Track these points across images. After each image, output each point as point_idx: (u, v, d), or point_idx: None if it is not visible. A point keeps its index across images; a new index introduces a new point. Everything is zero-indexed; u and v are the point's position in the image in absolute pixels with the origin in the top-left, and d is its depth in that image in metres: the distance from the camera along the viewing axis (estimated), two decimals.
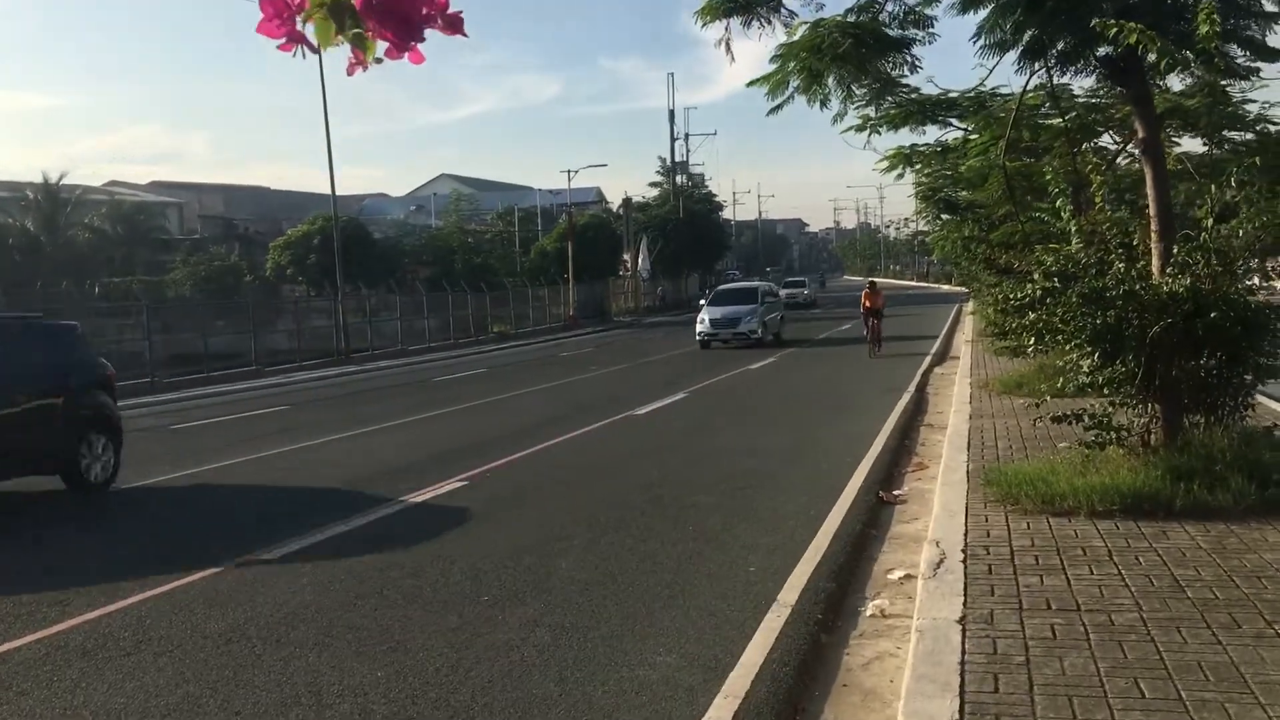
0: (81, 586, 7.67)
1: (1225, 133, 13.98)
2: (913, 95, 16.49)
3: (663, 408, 17.91)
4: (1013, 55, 8.82)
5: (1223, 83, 10.64)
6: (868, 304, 27.29)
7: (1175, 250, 8.07)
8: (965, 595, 5.59)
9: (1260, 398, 8.93)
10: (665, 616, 6.49)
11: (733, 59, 8.73)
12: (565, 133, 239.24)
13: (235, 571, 8.03)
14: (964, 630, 5.02)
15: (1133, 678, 4.38)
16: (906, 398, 17.52)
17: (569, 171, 60.67)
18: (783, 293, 49.99)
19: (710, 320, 32.45)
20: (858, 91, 9.39)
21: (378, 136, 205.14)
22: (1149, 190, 8.17)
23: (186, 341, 32.46)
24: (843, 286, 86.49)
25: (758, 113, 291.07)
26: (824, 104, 9.12)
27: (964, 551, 6.50)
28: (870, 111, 17.68)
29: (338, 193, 39.81)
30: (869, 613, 6.51)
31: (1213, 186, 7.78)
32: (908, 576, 7.11)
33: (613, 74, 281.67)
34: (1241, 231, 8.07)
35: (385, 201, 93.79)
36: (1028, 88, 8.89)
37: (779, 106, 9.08)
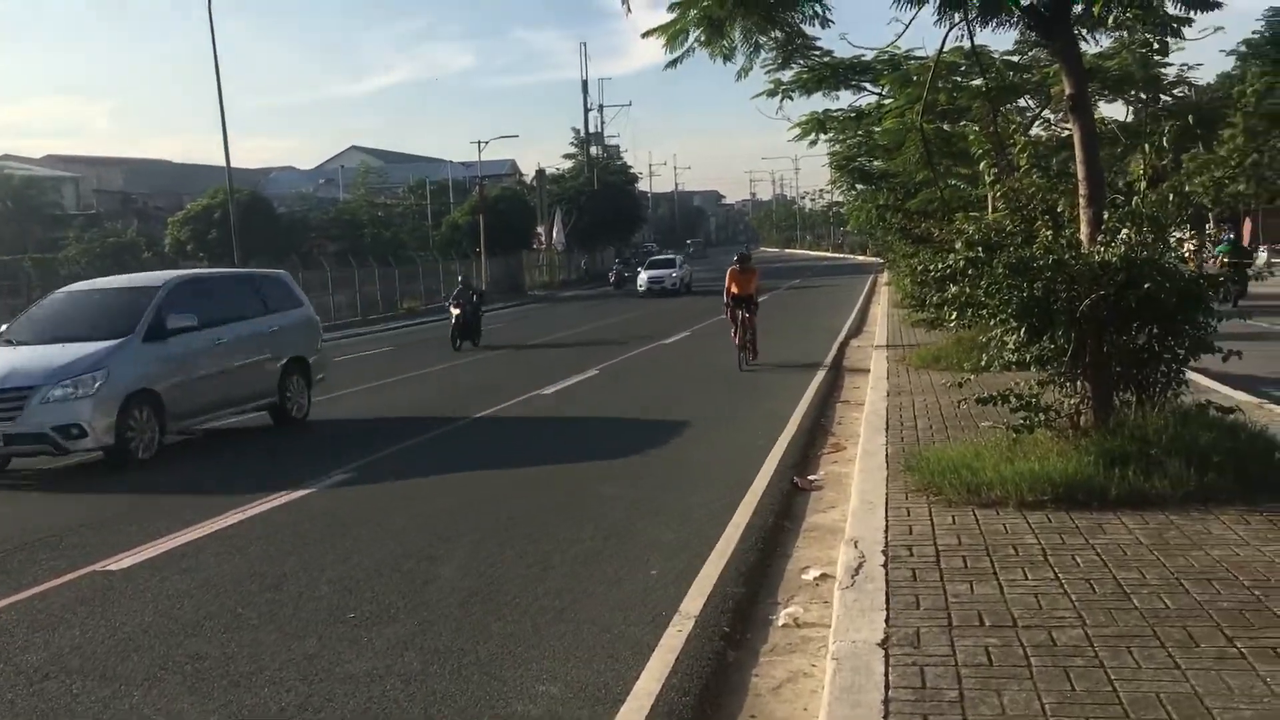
0: None
1: (1141, 95, 13.60)
2: (825, 59, 15.97)
3: (571, 386, 17.11)
4: (931, 8, 8.18)
5: (1140, 43, 10.15)
6: (734, 289, 18.25)
7: (1106, 216, 7.50)
8: (887, 609, 4.92)
9: (1189, 374, 8.42)
10: (553, 634, 5.73)
11: (629, 9, 7.93)
12: (480, 105, 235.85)
13: (69, 586, 7.07)
14: (887, 657, 4.33)
15: (1084, 717, 3.73)
16: (822, 374, 16.97)
17: (479, 143, 59.17)
18: (643, 276, 48.98)
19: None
20: (765, 45, 8.63)
21: (287, 107, 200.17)
22: (1077, 151, 7.58)
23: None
24: (759, 259, 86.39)
25: (673, 84, 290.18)
26: (727, 58, 8.36)
27: (884, 553, 5.84)
28: (782, 76, 17.19)
29: (244, 165, 38.39)
30: (781, 622, 5.83)
31: (1145, 146, 7.21)
32: (824, 576, 6.46)
33: (528, 44, 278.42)
34: (1173, 195, 7.51)
35: (293, 174, 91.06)
36: (945, 44, 8.22)
37: (677, 60, 8.31)
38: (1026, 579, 5.33)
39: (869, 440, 9.49)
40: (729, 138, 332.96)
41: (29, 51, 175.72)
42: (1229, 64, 37.19)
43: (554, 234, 61.82)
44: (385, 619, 6.13)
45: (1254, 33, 39.71)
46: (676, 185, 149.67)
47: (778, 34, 8.68)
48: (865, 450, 9.09)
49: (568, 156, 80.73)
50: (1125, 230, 7.38)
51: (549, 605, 6.22)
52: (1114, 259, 7.13)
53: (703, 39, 8.09)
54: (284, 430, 13.82)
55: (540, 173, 66.82)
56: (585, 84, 77.82)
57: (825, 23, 8.51)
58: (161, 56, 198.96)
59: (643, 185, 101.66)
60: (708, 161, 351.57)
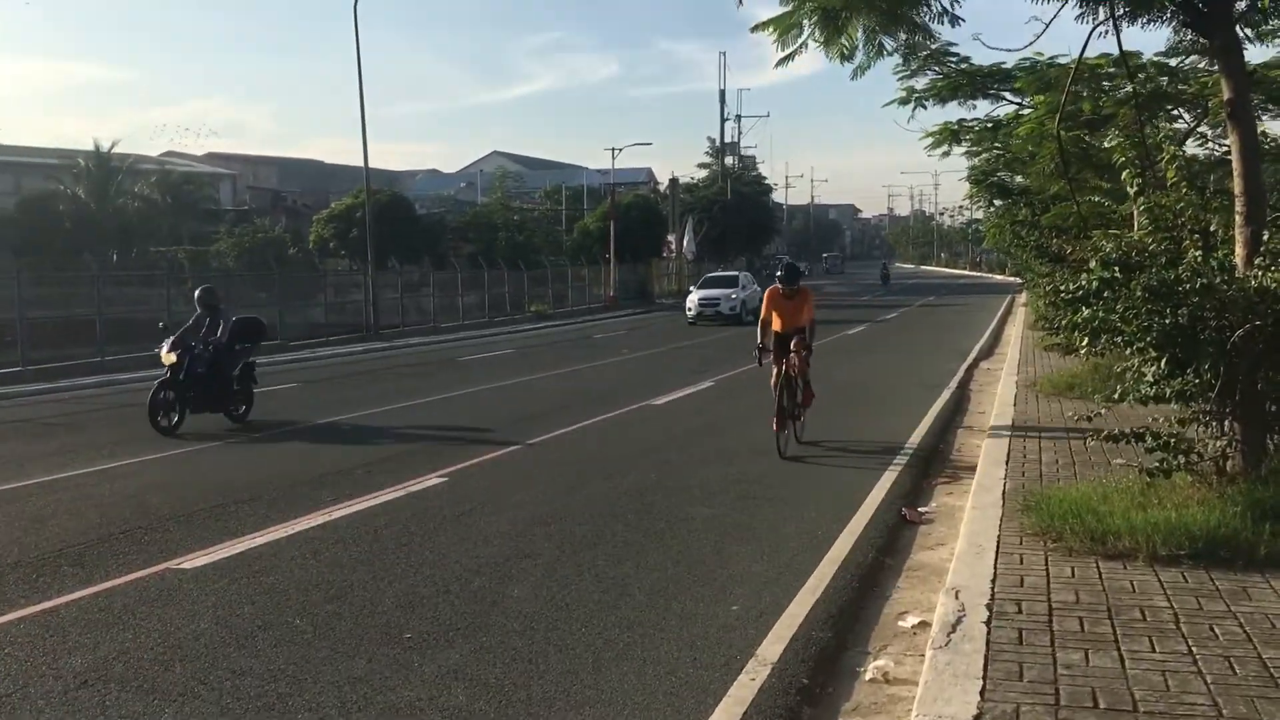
0: None
1: None
2: (961, 65, 15.15)
3: (683, 398, 16.62)
4: (1073, 5, 7.43)
5: None
6: (777, 322, 11.95)
7: (1266, 237, 6.65)
8: (984, 678, 4.28)
9: None
10: (615, 673, 5.25)
11: (740, 1, 7.38)
12: (620, 114, 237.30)
13: (136, 584, 6.91)
14: None
15: None
16: (946, 395, 16.11)
17: (613, 150, 59.23)
18: (693, 297, 38.31)
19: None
20: (889, 45, 7.99)
21: (434, 114, 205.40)
22: (1235, 162, 6.74)
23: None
24: (895, 275, 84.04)
25: (812, 96, 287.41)
26: (845, 58, 7.75)
27: (989, 608, 5.17)
28: (915, 84, 16.40)
29: (390, 168, 39.31)
30: (868, 675, 5.23)
31: None
32: (923, 624, 5.82)
33: (670, 56, 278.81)
34: None
35: (437, 178, 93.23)
36: (1088, 43, 7.48)
37: (789, 57, 7.72)
38: (1154, 651, 4.60)
39: (986, 473, 8.74)
40: (867, 151, 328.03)
41: (196, 54, 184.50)
42: None
43: (684, 242, 61.40)
44: (442, 642, 5.75)
45: None
46: (812, 198, 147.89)
47: (903, 34, 8.01)
48: (981, 484, 8.35)
49: (702, 165, 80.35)
50: None
51: (616, 639, 5.75)
52: (1274, 285, 6.29)
53: (818, 35, 7.51)
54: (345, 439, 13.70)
55: (673, 181, 66.55)
56: (723, 93, 77.00)
57: (954, 20, 7.84)
58: (320, 62, 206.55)
59: (778, 197, 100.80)
60: (845, 175, 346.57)
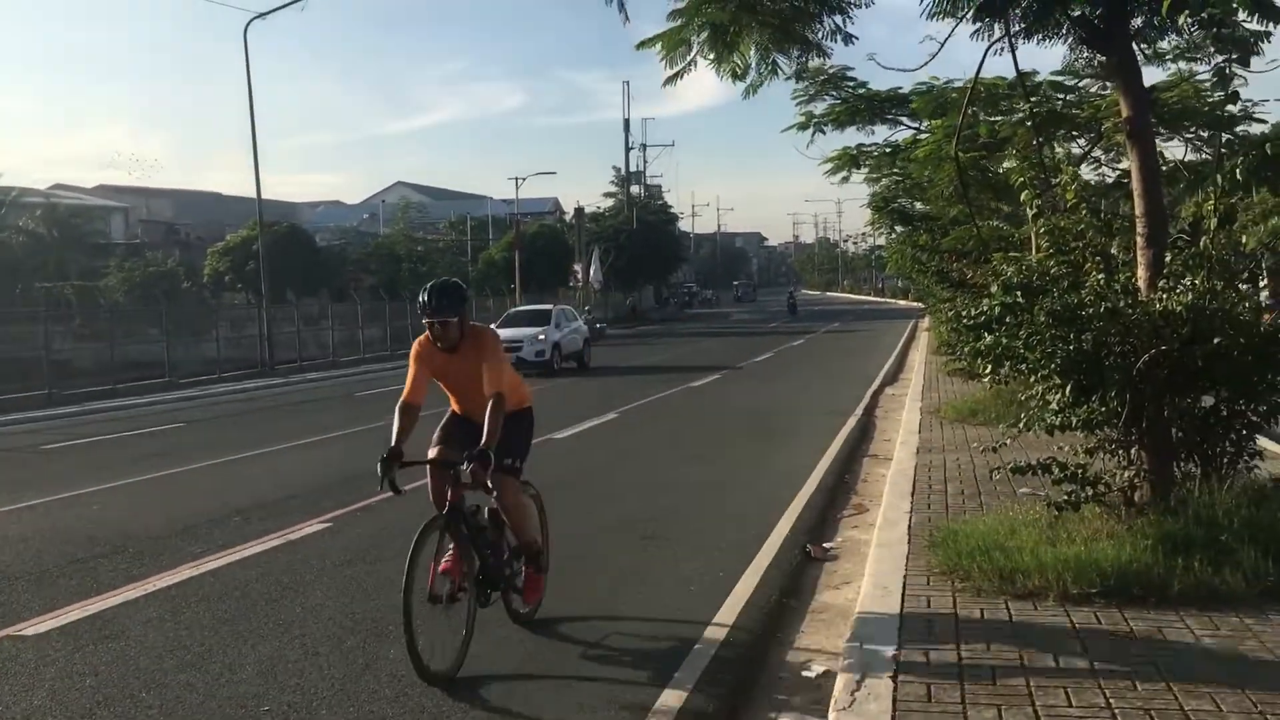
0: None
1: (1202, 132, 12.53)
2: (859, 90, 15.08)
3: (587, 430, 16.16)
4: (969, 24, 7.24)
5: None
6: (453, 398, 6.41)
7: (1168, 259, 6.47)
8: None
9: (1261, 440, 7.32)
10: None
11: (626, 18, 7.02)
12: (526, 144, 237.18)
13: None
14: None
15: None
16: (852, 422, 15.92)
17: (517, 179, 58.79)
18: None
19: None
20: (783, 64, 7.70)
21: (337, 144, 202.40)
22: (1135, 182, 6.56)
23: (99, 351, 30.45)
24: (801, 301, 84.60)
25: (718, 125, 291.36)
26: (738, 76, 7.43)
27: (895, 659, 4.80)
28: (814, 109, 16.31)
29: (292, 199, 38.24)
30: None
31: (1217, 176, 6.17)
32: (827, 674, 5.43)
33: (574, 85, 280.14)
34: (1245, 237, 6.47)
35: (339, 209, 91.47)
36: (984, 61, 7.26)
37: (678, 75, 7.37)
38: (1070, 706, 4.26)
39: (891, 506, 8.45)
40: (773, 179, 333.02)
41: (84, 83, 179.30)
42: None
43: (591, 272, 61.10)
44: (304, 715, 5.19)
45: None
46: (719, 226, 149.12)
47: (796, 52, 7.72)
48: (886, 519, 8.05)
49: (608, 194, 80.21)
50: (1190, 276, 6.33)
51: (495, 706, 5.25)
52: (1178, 308, 6.10)
53: (707, 53, 7.17)
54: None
55: (579, 210, 66.25)
56: (627, 122, 76.96)
57: (848, 39, 7.57)
58: (217, 91, 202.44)
59: (685, 225, 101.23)
60: (751, 203, 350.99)
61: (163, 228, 68.70)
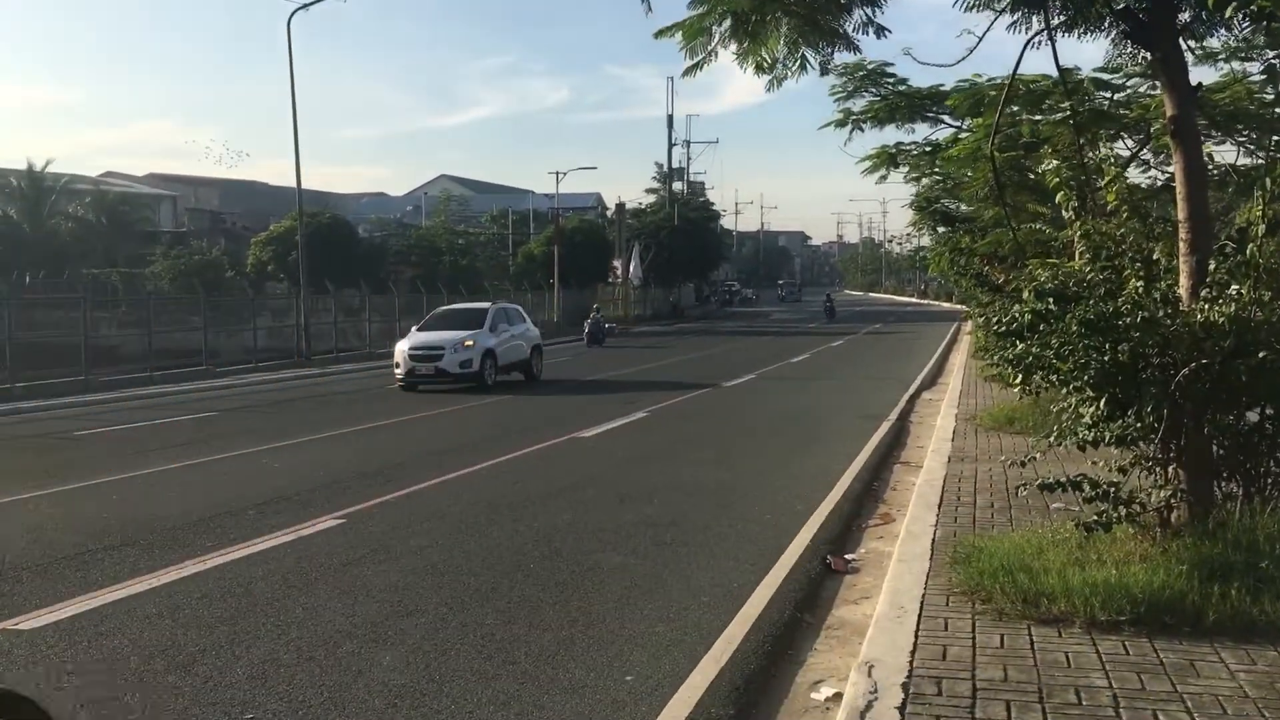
0: None
1: (1254, 134, 12.05)
2: (899, 88, 14.71)
3: (614, 430, 15.94)
4: (1008, 18, 6.91)
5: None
6: None
7: (1212, 267, 6.12)
8: None
9: None
10: None
11: (649, 8, 6.75)
12: (570, 139, 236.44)
13: None
14: None
15: None
16: (886, 427, 15.57)
17: (557, 174, 58.67)
18: (403, 346, 23.86)
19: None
20: (811, 58, 7.40)
21: (383, 137, 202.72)
22: (1179, 185, 6.21)
23: (140, 339, 30.72)
24: (842, 301, 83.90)
25: (763, 123, 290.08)
26: (763, 69, 7.14)
27: (905, 688, 4.52)
28: (852, 105, 15.96)
29: (339, 191, 38.37)
30: None
31: (1267, 181, 5.81)
32: (837, 696, 5.16)
33: (621, 81, 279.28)
34: None
35: (384, 200, 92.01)
36: (1023, 55, 6.92)
37: (697, 66, 7.08)
38: None
39: (916, 519, 8.13)
40: (818, 178, 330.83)
41: (140, 74, 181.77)
42: None
43: (631, 268, 60.87)
44: None
45: None
46: (762, 224, 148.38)
47: (825, 46, 7.41)
48: (910, 532, 7.73)
49: (650, 191, 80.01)
50: (1235, 286, 5.97)
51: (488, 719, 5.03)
52: (1221, 320, 5.75)
53: (731, 42, 6.88)
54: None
55: (620, 206, 66.02)
56: (670, 118, 76.85)
57: (880, 31, 7.25)
58: (268, 85, 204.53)
59: (728, 223, 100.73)
60: (795, 202, 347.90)
61: (208, 216, 69.36)
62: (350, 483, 11.38)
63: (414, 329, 24.96)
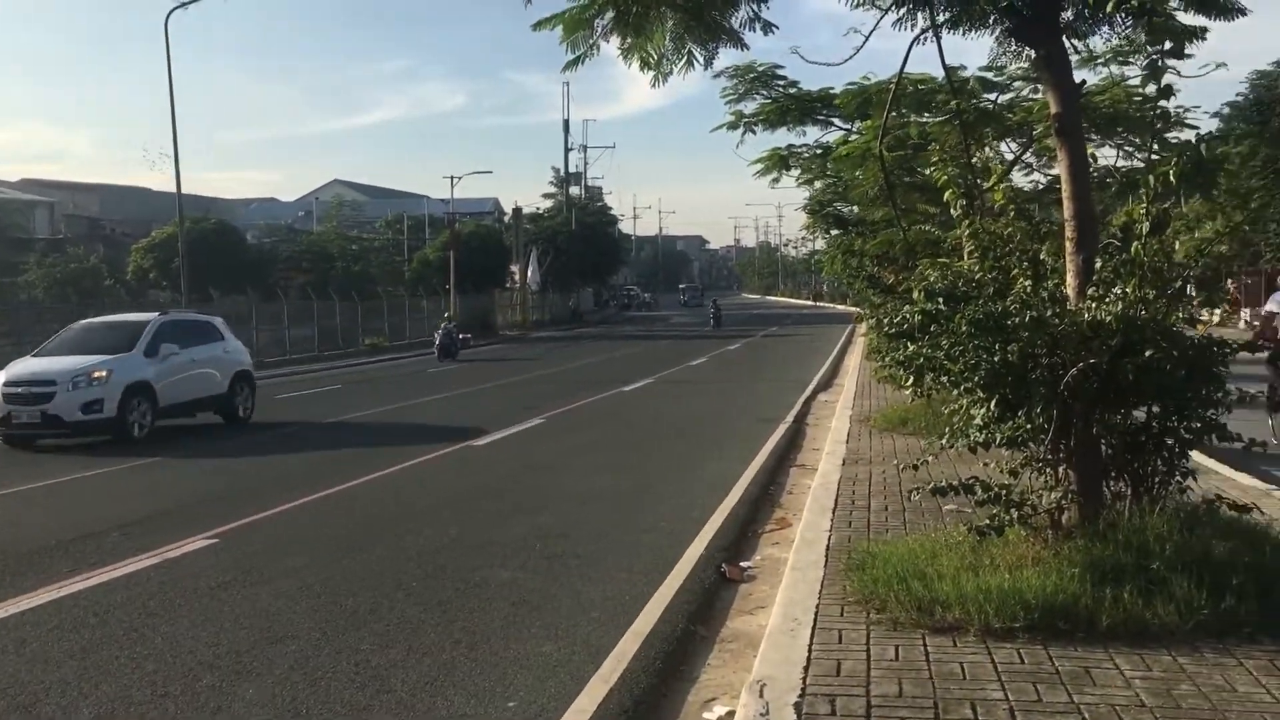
0: None
1: (1134, 138, 12.28)
2: (790, 90, 14.69)
3: (509, 436, 15.58)
4: (893, 15, 6.81)
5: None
6: None
7: (1098, 265, 6.07)
8: None
9: (1196, 456, 6.96)
10: None
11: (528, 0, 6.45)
12: (468, 144, 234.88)
13: None
14: None
15: None
16: (782, 430, 15.52)
17: (452, 178, 57.92)
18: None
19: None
20: (699, 55, 7.20)
21: (277, 141, 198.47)
22: (1064, 184, 6.16)
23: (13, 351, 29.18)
24: (738, 305, 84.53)
25: (660, 129, 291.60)
26: (648, 65, 6.91)
27: (797, 707, 4.31)
28: (744, 108, 15.91)
29: (228, 196, 37.15)
30: None
31: (1149, 179, 5.79)
32: (729, 714, 4.94)
33: (520, 86, 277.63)
34: (1180, 244, 6.08)
35: (274, 206, 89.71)
36: (910, 54, 6.82)
37: (579, 59, 6.82)
38: None
39: (810, 524, 7.99)
40: (715, 183, 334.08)
41: (13, 77, 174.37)
42: (1212, 125, 36.42)
43: (529, 273, 60.41)
44: None
45: (1237, 95, 39.23)
46: (660, 229, 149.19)
47: (711, 43, 7.21)
48: (804, 538, 7.57)
49: (547, 196, 79.53)
50: (1121, 284, 5.93)
51: None
52: (1108, 318, 5.70)
53: (613, 34, 6.62)
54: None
55: (516, 210, 65.52)
56: (566, 123, 76.81)
57: (767, 28, 7.08)
58: (150, 87, 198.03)
59: (626, 228, 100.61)
60: (693, 206, 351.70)
61: (86, 223, 66.79)
62: (219, 500, 10.81)
63: (30, 354, 17.22)
